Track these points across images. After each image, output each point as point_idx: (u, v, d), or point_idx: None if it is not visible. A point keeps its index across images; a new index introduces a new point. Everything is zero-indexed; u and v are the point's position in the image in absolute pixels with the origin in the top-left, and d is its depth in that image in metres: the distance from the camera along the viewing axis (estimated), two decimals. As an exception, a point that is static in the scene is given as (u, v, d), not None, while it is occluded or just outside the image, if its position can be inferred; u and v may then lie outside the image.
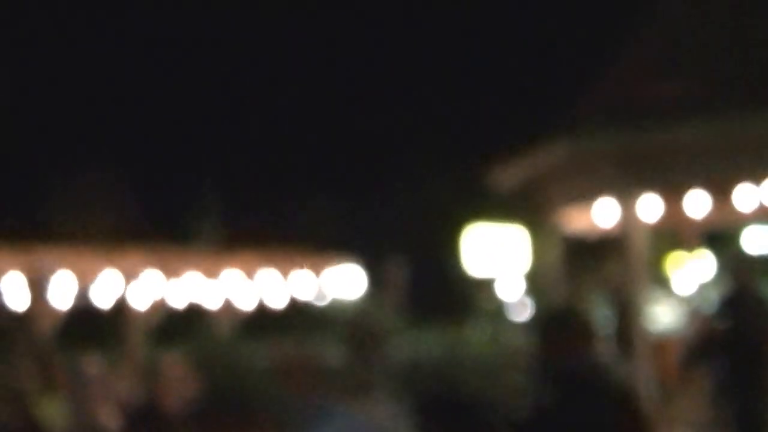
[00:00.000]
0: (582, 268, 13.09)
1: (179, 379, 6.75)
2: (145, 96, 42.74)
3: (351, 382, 4.46)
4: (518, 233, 18.04)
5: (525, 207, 16.79)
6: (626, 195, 12.14)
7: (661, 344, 13.78)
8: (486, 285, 60.85)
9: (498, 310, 63.24)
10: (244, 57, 45.32)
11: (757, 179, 13.04)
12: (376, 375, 4.47)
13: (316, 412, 4.63)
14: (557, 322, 3.95)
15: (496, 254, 17.43)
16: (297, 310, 68.41)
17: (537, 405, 3.70)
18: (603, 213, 13.31)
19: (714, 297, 14.37)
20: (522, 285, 59.38)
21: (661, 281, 14.97)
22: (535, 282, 19.95)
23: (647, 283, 12.59)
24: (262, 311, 23.27)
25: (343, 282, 60.90)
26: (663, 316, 19.37)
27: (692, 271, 17.34)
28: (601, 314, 17.34)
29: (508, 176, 14.18)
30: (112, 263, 17.29)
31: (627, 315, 12.51)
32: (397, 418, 4.42)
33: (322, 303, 69.74)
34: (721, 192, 15.56)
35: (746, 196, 15.35)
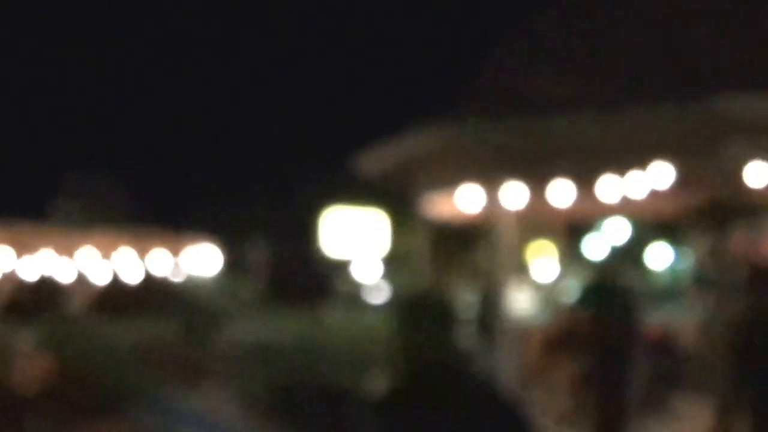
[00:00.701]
0: (447, 254, 13.04)
1: (30, 358, 6.40)
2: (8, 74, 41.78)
3: (187, 366, 4.22)
4: (377, 217, 17.98)
5: (390, 192, 16.74)
6: (492, 183, 12.14)
7: (524, 332, 13.85)
8: (344, 268, 61.13)
9: (355, 293, 63.52)
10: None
11: (621, 171, 13.17)
12: (215, 359, 4.24)
13: (144, 398, 4.40)
14: (415, 306, 3.81)
15: (354, 237, 17.33)
16: (152, 286, 67.76)
17: (392, 389, 3.56)
18: (468, 200, 13.30)
19: (576, 286, 14.51)
20: (380, 269, 59.76)
21: (525, 269, 15.03)
22: (393, 266, 19.99)
23: (511, 271, 12.61)
24: (117, 287, 22.81)
25: (200, 262, 60.36)
26: (526, 304, 19.52)
27: (556, 261, 17.53)
28: (465, 300, 17.46)
29: (375, 162, 14.12)
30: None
31: (491, 302, 12.54)
32: (234, 405, 4.19)
33: (178, 280, 69.25)
34: (585, 183, 15.78)
35: (610, 187, 15.57)
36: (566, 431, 12.64)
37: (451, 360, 3.65)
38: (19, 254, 19.51)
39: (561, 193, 16.67)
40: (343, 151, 15.90)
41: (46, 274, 20.48)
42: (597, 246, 16.63)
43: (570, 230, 18.13)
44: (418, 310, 3.75)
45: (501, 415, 3.64)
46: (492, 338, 12.32)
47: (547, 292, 18.11)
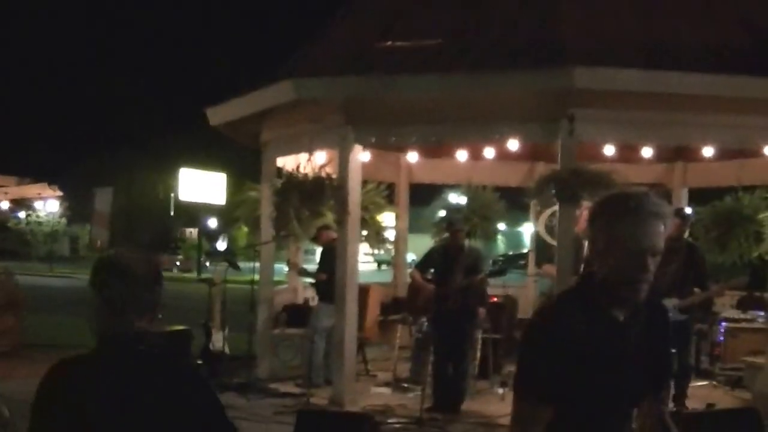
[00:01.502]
0: (292, 213, 13.00)
1: None
2: None
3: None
4: (220, 175, 17.82)
5: (239, 146, 16.62)
6: (345, 144, 12.12)
7: (365, 291, 13.94)
8: (187, 221, 60.78)
9: (196, 245, 63.21)
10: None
11: (468, 137, 13.31)
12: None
13: None
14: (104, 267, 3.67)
15: (198, 193, 17.12)
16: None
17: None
18: (319, 159, 13.27)
19: (421, 249, 14.65)
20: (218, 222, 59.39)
21: (371, 231, 15.09)
22: (233, 222, 19.84)
23: (357, 232, 12.64)
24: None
25: (45, 208, 58.83)
26: (368, 264, 19.74)
27: (400, 224, 17.65)
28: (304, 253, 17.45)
29: (225, 116, 13.99)
30: None
31: (331, 259, 12.56)
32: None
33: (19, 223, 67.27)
34: (434, 147, 15.93)
35: (459, 152, 15.75)
36: (400, 391, 12.83)
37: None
38: None
39: (413, 158, 16.90)
40: (194, 105, 15.72)
41: None
42: (444, 211, 16.78)
43: (418, 193, 18.28)
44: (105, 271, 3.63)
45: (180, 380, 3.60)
46: (332, 295, 12.35)
47: (393, 255, 18.26)
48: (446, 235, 12.94)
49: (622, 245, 3.30)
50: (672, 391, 10.74)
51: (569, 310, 3.36)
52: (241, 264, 14.98)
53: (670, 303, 11.04)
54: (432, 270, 12.95)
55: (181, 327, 14.13)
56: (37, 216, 73.21)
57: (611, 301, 3.39)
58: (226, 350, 14.02)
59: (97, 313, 3.48)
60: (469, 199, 16.20)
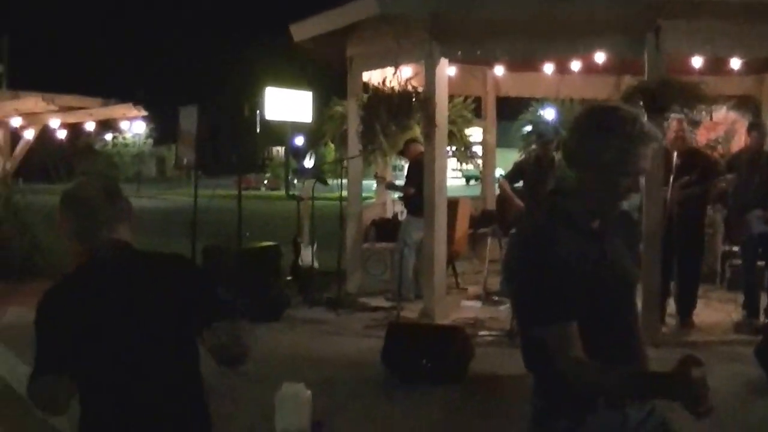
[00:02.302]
0: (379, 128, 12.95)
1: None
2: None
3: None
4: (306, 93, 17.78)
5: (325, 63, 16.55)
6: (431, 58, 11.99)
7: (454, 205, 13.86)
8: (274, 140, 61.03)
9: (284, 164, 63.54)
10: None
11: (557, 53, 13.15)
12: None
13: None
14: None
15: (284, 111, 17.10)
16: (82, 147, 66.99)
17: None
18: (405, 73, 13.17)
19: (509, 164, 14.55)
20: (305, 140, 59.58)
21: (459, 145, 15.02)
22: (319, 138, 19.80)
23: (445, 146, 12.55)
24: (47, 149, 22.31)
25: (131, 129, 59.48)
26: (456, 180, 19.68)
27: (487, 138, 17.50)
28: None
29: (309, 31, 13.89)
30: None
31: (418, 171, 12.50)
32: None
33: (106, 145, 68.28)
34: (521, 62, 15.71)
35: (546, 67, 15.51)
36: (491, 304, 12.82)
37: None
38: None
39: (499, 75, 16.72)
40: (279, 23, 15.67)
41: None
42: (531, 125, 16.63)
43: (504, 108, 18.11)
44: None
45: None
46: (421, 209, 12.31)
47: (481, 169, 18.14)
48: (533, 147, 12.81)
49: (618, 165, 3.26)
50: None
51: (557, 227, 3.32)
52: (329, 180, 15.01)
53: (756, 215, 10.88)
54: (521, 182, 12.86)
55: (270, 243, 14.23)
56: (124, 138, 74.07)
57: (591, 215, 3.40)
58: (316, 266, 14.11)
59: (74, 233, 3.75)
60: (557, 113, 16.02)
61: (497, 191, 14.42)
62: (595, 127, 3.32)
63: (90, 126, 22.11)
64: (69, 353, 3.53)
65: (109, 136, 73.59)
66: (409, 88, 12.43)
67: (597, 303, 3.29)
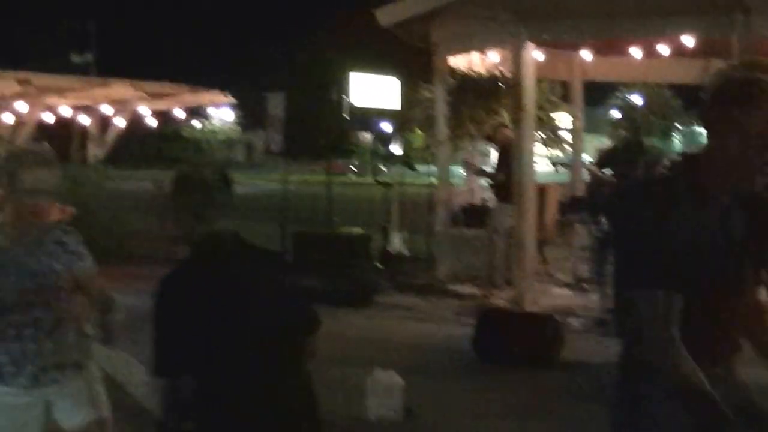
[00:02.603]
0: (467, 113, 12.94)
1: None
2: None
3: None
4: (393, 78, 17.80)
5: (409, 48, 16.51)
6: (518, 42, 11.90)
7: (543, 191, 13.77)
8: (361, 125, 61.22)
9: (371, 149, 63.70)
10: None
11: (646, 36, 12.97)
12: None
13: None
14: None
15: (370, 97, 17.13)
16: (170, 133, 67.57)
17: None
18: (492, 60, 13.11)
19: (598, 147, 14.41)
20: (393, 126, 59.63)
21: (546, 131, 14.94)
22: (406, 124, 19.77)
23: (533, 131, 12.46)
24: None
25: (219, 116, 59.97)
26: (546, 164, 19.53)
27: (575, 123, 17.33)
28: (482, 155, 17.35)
29: (395, 16, 13.88)
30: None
31: (508, 159, 12.42)
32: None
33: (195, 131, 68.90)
34: (609, 46, 15.52)
35: (635, 51, 15.30)
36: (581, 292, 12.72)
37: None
38: (39, 103, 19.50)
39: (586, 58, 16.51)
40: (366, 8, 15.67)
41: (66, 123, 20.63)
42: (620, 110, 16.45)
43: (591, 93, 17.92)
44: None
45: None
46: (510, 195, 12.25)
47: (568, 154, 17.99)
48: (623, 132, 12.65)
49: (755, 135, 3.15)
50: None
51: (679, 191, 3.22)
52: (417, 166, 15.00)
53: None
54: (610, 168, 12.73)
55: (358, 230, 14.28)
56: (212, 124, 74.84)
57: (722, 188, 3.26)
58: (405, 252, 14.11)
59: (180, 219, 3.81)
60: (645, 98, 15.80)
61: (586, 177, 14.28)
62: (740, 96, 3.23)
63: (179, 113, 22.38)
64: (189, 346, 3.58)
65: (197, 123, 74.39)
66: (497, 72, 12.36)
67: (693, 281, 3.20)
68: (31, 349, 4.45)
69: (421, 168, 14.47)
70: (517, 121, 12.07)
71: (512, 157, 12.16)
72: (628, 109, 16.34)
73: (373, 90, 16.83)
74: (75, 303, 4.52)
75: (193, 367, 3.57)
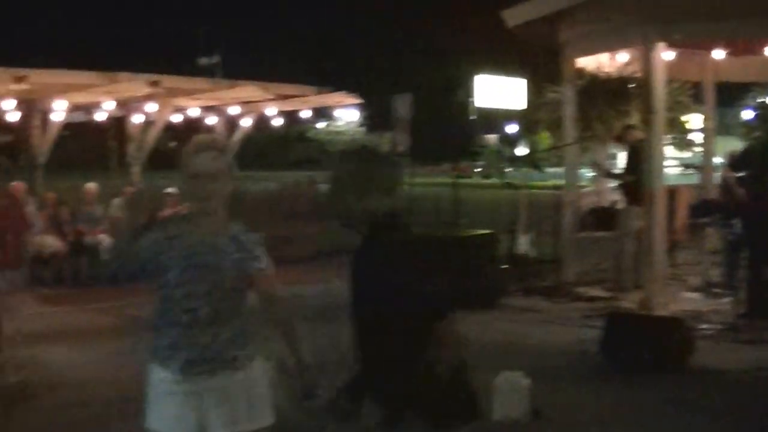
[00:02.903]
0: (595, 114, 12.84)
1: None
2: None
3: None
4: (519, 80, 17.74)
5: (539, 49, 16.44)
6: (647, 41, 11.74)
7: (673, 193, 13.54)
8: (486, 127, 61.12)
9: (496, 151, 63.57)
10: None
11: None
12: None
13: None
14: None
15: (496, 98, 17.11)
16: (295, 135, 67.98)
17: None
18: (621, 61, 12.96)
19: (728, 151, 14.11)
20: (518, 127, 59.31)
21: (675, 132, 14.71)
22: (532, 125, 19.69)
23: (663, 133, 12.26)
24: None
25: (344, 117, 60.49)
26: (676, 166, 19.26)
27: (707, 125, 17.01)
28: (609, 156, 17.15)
29: (522, 17, 13.80)
30: (112, 91, 17.18)
31: (638, 160, 12.25)
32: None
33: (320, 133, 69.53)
34: (743, 46, 15.20)
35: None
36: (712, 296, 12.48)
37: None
38: (169, 104, 19.93)
39: (718, 59, 16.18)
40: (492, 9, 15.64)
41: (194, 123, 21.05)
42: (754, 111, 16.11)
43: (722, 93, 17.57)
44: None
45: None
46: (639, 197, 12.09)
47: (699, 156, 17.67)
48: (757, 134, 12.38)
49: None
50: None
51: None
52: (544, 168, 14.92)
53: None
54: (745, 171, 12.47)
55: (485, 231, 14.23)
56: (336, 126, 75.35)
57: None
58: (532, 254, 14.04)
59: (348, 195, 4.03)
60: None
61: (718, 180, 14.01)
62: None
63: (305, 114, 22.62)
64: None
65: (321, 124, 74.97)
66: (626, 73, 12.21)
67: None
68: (185, 337, 4.52)
69: (549, 170, 14.37)
70: (646, 123, 11.90)
71: (641, 159, 12.00)
72: (762, 110, 15.96)
73: (499, 91, 16.78)
74: (236, 301, 4.55)
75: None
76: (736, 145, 14.18)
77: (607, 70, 12.66)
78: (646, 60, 11.86)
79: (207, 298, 4.49)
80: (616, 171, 14.10)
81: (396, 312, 3.76)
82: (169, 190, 14.48)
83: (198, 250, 4.53)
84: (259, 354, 4.70)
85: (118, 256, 4.69)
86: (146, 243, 4.57)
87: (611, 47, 12.69)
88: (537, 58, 18.54)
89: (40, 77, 15.67)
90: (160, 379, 4.63)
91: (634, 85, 12.06)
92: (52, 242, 15.26)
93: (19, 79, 14.64)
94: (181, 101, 19.90)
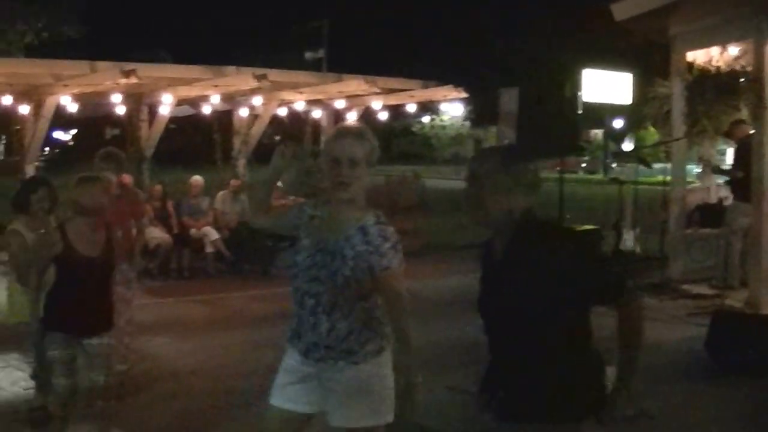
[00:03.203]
0: (704, 110, 12.61)
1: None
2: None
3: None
4: (626, 74, 17.55)
5: (647, 43, 16.23)
6: (759, 35, 11.52)
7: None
8: (592, 122, 60.60)
9: (602, 146, 62.90)
10: None
11: None
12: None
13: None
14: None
15: (602, 93, 16.97)
16: (400, 128, 68.02)
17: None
18: (731, 54, 12.73)
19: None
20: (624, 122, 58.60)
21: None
22: (639, 120, 19.44)
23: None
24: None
25: (449, 111, 60.36)
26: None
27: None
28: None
29: (632, 10, 13.64)
30: (219, 85, 17.38)
31: (749, 159, 12.02)
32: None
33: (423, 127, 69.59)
34: None
35: None
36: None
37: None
38: (275, 98, 20.09)
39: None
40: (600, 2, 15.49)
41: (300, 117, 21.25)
42: None
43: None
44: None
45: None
46: (748, 193, 11.87)
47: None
48: None
49: None
50: None
51: None
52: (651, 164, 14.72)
53: None
54: None
55: (590, 227, 14.11)
56: (441, 120, 75.33)
57: None
58: (637, 250, 13.88)
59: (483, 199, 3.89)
60: None
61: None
62: None
63: (411, 108, 22.64)
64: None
65: (426, 119, 75.01)
66: (737, 67, 11.98)
67: None
68: (309, 322, 4.58)
69: (656, 166, 14.17)
70: (756, 118, 11.68)
71: (751, 155, 11.78)
72: None
73: (606, 86, 16.62)
74: (358, 293, 4.51)
75: None
76: None
77: (716, 63, 12.42)
78: (758, 53, 11.63)
79: (329, 285, 4.49)
80: (725, 167, 13.87)
81: (565, 305, 3.81)
82: (278, 183, 14.65)
83: (327, 236, 4.57)
84: (385, 351, 4.67)
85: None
86: (296, 212, 4.79)
87: (722, 40, 12.46)
88: (645, 52, 18.33)
89: (147, 71, 15.89)
90: (288, 358, 4.75)
91: (744, 80, 11.80)
92: (157, 234, 15.54)
93: (127, 74, 14.86)
94: (286, 95, 20.03)
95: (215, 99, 18.38)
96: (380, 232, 4.50)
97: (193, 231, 15.77)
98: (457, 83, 20.75)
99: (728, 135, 13.17)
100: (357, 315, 4.52)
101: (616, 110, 48.07)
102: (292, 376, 4.72)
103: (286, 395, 4.74)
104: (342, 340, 4.53)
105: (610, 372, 4.30)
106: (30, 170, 16.23)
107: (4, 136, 49.04)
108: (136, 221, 9.58)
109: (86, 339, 6.55)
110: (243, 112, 20.38)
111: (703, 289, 12.59)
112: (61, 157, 53.11)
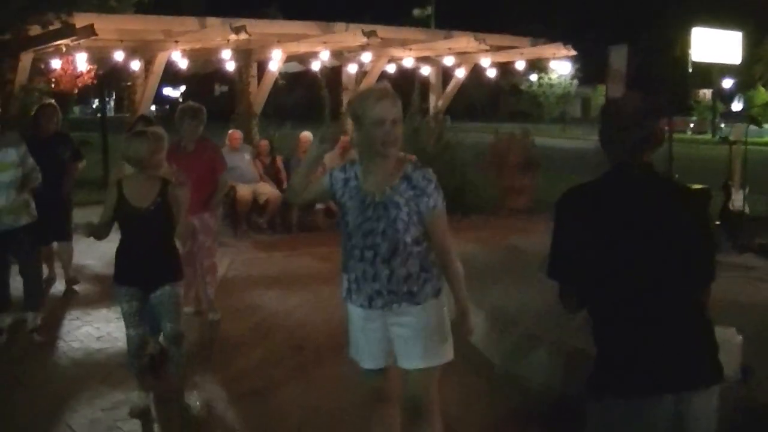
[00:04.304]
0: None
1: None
2: None
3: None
4: (735, 33, 17.28)
5: (755, 2, 16.00)
6: None
7: None
8: (701, 82, 59.58)
9: (711, 106, 61.86)
10: None
11: None
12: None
13: None
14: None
15: (712, 52, 16.72)
16: (509, 87, 67.63)
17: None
18: None
19: None
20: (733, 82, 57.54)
21: None
22: (749, 80, 19.18)
23: None
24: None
25: (557, 69, 60.19)
26: None
27: None
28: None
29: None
30: (328, 41, 17.52)
31: None
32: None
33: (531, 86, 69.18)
34: None
35: None
36: None
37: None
38: (384, 54, 20.21)
39: None
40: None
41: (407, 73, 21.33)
42: None
43: None
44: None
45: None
46: None
47: None
48: None
49: None
50: None
51: None
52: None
53: None
54: None
55: (699, 186, 14.00)
56: (549, 78, 74.59)
57: None
58: (746, 210, 13.76)
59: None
60: None
61: None
62: None
63: (519, 65, 22.58)
64: (581, 257, 3.85)
65: (533, 77, 74.34)
66: None
67: None
68: (368, 272, 4.90)
69: (766, 125, 13.98)
70: None
71: None
72: None
73: (715, 45, 16.43)
74: (410, 236, 4.84)
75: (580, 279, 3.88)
76: None
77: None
78: None
79: (384, 235, 4.83)
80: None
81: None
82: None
83: (372, 191, 4.90)
84: (441, 293, 5.03)
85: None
86: (328, 180, 5.07)
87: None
88: (757, 9, 18.05)
89: (256, 28, 16.10)
90: (352, 313, 5.13)
91: None
92: (266, 189, 15.79)
93: (237, 30, 15.05)
94: (395, 52, 20.14)
95: (324, 55, 18.57)
96: (423, 175, 4.88)
97: (302, 186, 15.95)
98: (566, 41, 20.65)
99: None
100: (413, 259, 4.87)
101: (725, 70, 47.23)
102: (361, 329, 5.12)
103: (360, 349, 5.17)
104: (403, 284, 4.89)
105: (718, 331, 4.40)
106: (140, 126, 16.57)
107: (114, 93, 49.94)
108: (215, 175, 9.79)
109: (149, 290, 6.82)
110: (352, 68, 20.55)
111: (813, 250, 12.46)
112: (171, 113, 53.96)
